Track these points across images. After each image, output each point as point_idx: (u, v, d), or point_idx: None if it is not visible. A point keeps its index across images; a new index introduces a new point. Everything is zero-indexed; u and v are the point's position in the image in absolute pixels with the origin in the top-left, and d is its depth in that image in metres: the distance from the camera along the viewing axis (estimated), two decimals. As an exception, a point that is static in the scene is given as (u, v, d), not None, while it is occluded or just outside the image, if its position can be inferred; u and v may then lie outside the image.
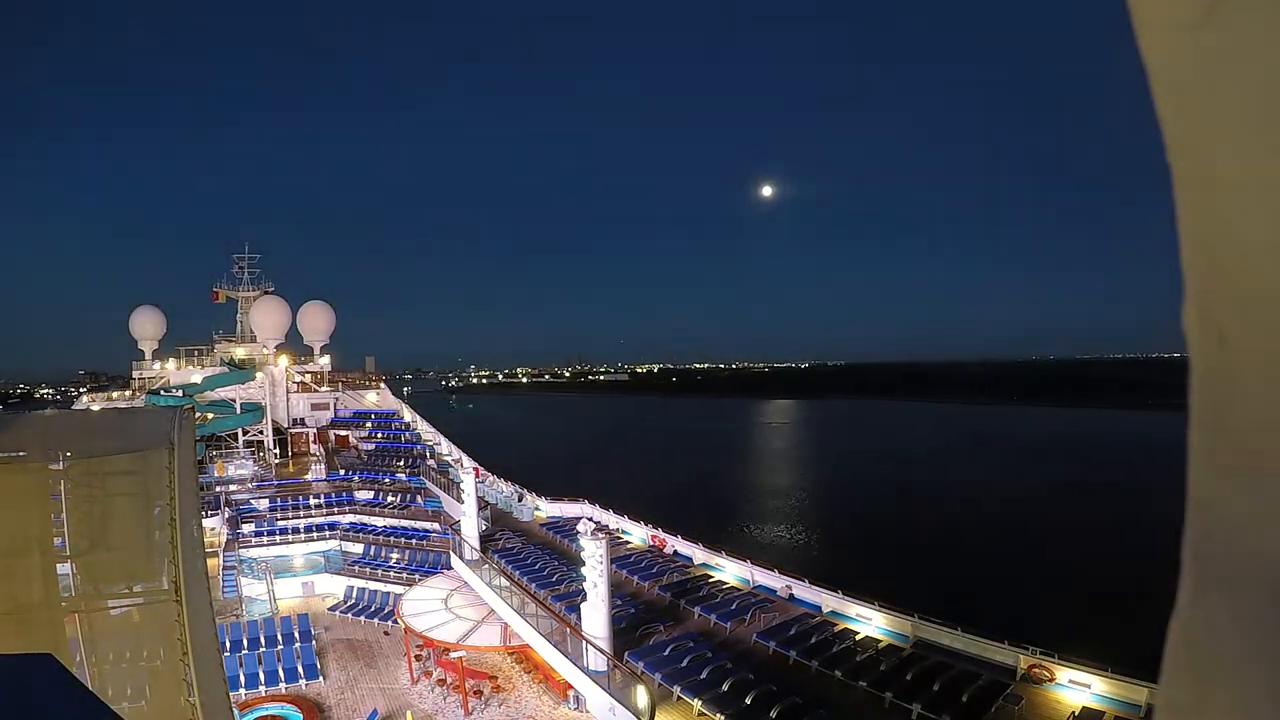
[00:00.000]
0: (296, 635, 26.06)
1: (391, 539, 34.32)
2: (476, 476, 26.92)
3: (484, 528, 27.92)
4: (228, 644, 24.31)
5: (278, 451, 47.34)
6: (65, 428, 11.86)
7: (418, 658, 24.72)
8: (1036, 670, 16.29)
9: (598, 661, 17.02)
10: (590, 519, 27.75)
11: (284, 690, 23.35)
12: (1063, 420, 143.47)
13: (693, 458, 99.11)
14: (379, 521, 36.36)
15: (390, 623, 28.31)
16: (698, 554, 26.43)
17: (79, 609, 9.19)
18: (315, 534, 35.53)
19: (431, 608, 24.91)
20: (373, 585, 31.46)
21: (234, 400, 45.93)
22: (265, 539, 34.40)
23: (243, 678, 23.30)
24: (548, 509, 34.12)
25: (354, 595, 31.51)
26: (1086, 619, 35.68)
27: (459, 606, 24.87)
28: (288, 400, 49.15)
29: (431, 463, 40.22)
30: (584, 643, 17.44)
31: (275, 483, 40.69)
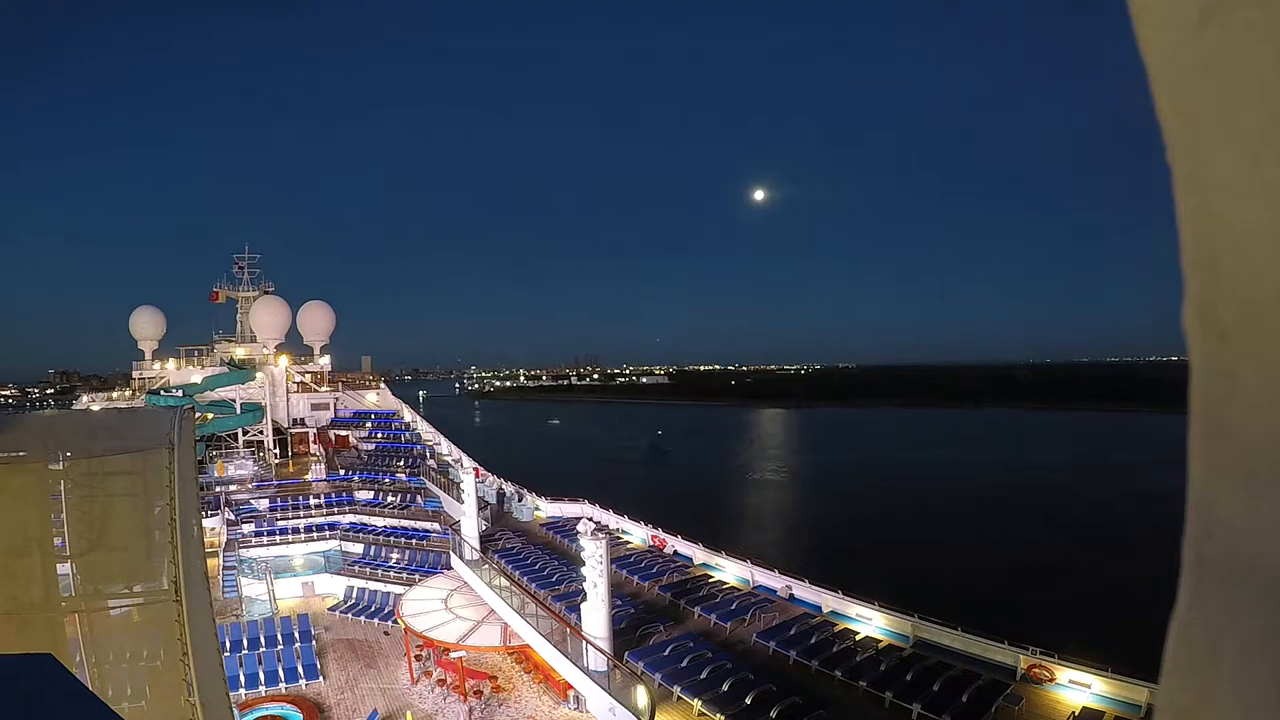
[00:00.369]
0: (296, 635, 26.07)
1: (391, 539, 34.32)
2: (476, 476, 26.93)
3: (484, 528, 27.93)
4: (228, 644, 24.31)
5: (278, 451, 47.33)
6: (65, 428, 11.85)
7: (418, 658, 24.72)
8: (1036, 670, 16.29)
9: (598, 661, 17.02)
10: (590, 519, 27.74)
11: (284, 690, 23.34)
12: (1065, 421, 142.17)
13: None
14: (379, 521, 36.36)
15: (390, 623, 28.31)
16: (698, 554, 26.43)
17: (79, 609, 9.19)
18: (315, 534, 35.54)
19: (431, 608, 24.90)
20: (373, 585, 31.45)
21: (234, 400, 45.90)
22: (265, 539, 34.40)
23: (243, 678, 23.29)
24: (548, 509, 34.13)
25: (354, 595, 31.51)
26: (1086, 619, 35.68)
27: (459, 606, 24.87)
28: (288, 400, 49.15)
29: (431, 463, 40.24)
30: (584, 643, 17.44)
31: (275, 483, 40.68)
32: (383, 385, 54.37)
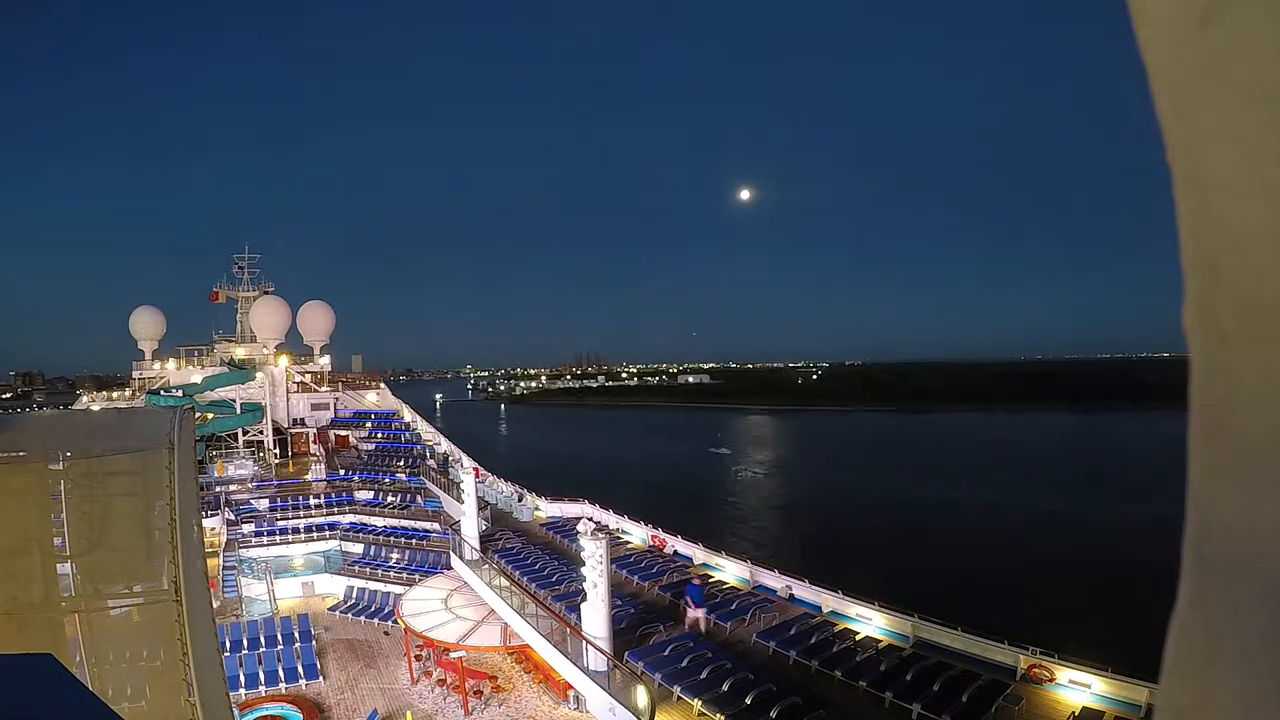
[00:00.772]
0: (296, 635, 26.07)
1: (391, 539, 34.32)
2: (476, 476, 26.93)
3: (484, 528, 27.93)
4: (228, 644, 24.31)
5: (278, 451, 47.33)
6: (65, 428, 11.86)
7: (418, 658, 24.72)
8: (1036, 670, 16.29)
9: (598, 661, 17.01)
10: (590, 519, 27.74)
11: (284, 690, 23.35)
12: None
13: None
14: (379, 521, 36.36)
15: (390, 623, 28.31)
16: (698, 554, 26.42)
17: (79, 609, 9.19)
18: (315, 534, 35.54)
19: (431, 608, 24.90)
20: (373, 585, 31.46)
21: (234, 400, 45.90)
22: (265, 539, 34.40)
23: (243, 678, 23.30)
24: (548, 509, 34.13)
25: (354, 595, 31.51)
26: (1086, 619, 35.69)
27: (459, 606, 24.87)
28: (288, 400, 49.15)
29: (431, 463, 40.24)
30: (584, 643, 17.44)
31: (275, 483, 40.68)
32: (382, 385, 54.41)
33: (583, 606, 17.74)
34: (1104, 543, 53.78)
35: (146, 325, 52.18)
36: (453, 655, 22.90)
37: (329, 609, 30.48)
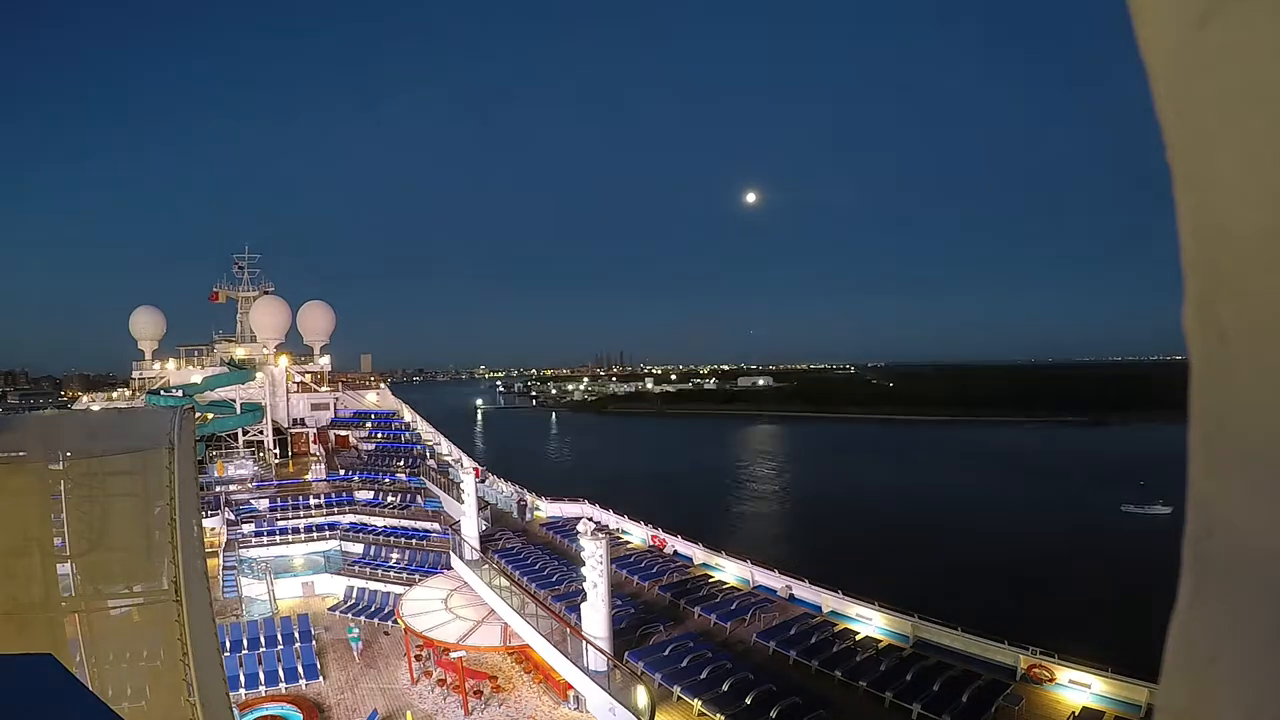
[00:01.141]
0: (296, 635, 26.07)
1: (391, 539, 34.32)
2: (476, 476, 26.94)
3: (484, 528, 27.93)
4: (228, 644, 24.31)
5: (278, 451, 47.33)
6: (65, 428, 11.85)
7: (418, 658, 24.73)
8: (1036, 670, 16.29)
9: (598, 661, 17.02)
10: (590, 519, 27.76)
11: (284, 690, 23.35)
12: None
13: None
14: (379, 521, 36.36)
15: (390, 623, 28.31)
16: (698, 554, 26.44)
17: (79, 609, 9.19)
18: (315, 534, 35.54)
19: (431, 608, 24.91)
20: (373, 585, 31.45)
21: (234, 400, 45.91)
22: (265, 539, 34.40)
23: (243, 678, 23.30)
24: (548, 509, 34.13)
25: (354, 595, 31.51)
26: (1086, 619, 35.71)
27: (459, 606, 24.87)
28: (288, 400, 49.15)
29: (431, 463, 40.25)
30: (584, 643, 17.45)
31: (275, 483, 40.68)
32: (383, 385, 54.42)
33: (583, 606, 17.75)
34: (1104, 543, 53.80)
35: (146, 325, 52.18)
36: (453, 655, 22.90)
37: (329, 609, 30.47)
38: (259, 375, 47.33)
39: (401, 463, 42.40)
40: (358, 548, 34.46)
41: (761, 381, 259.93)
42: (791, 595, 22.24)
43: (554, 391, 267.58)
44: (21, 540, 9.02)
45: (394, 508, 37.14)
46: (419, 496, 37.65)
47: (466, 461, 32.93)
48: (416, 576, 30.10)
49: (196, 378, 46.28)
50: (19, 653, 2.54)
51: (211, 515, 33.70)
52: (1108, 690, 15.27)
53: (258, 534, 34.63)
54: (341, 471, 41.78)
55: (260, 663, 24.30)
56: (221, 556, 31.09)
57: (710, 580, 23.87)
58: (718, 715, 14.85)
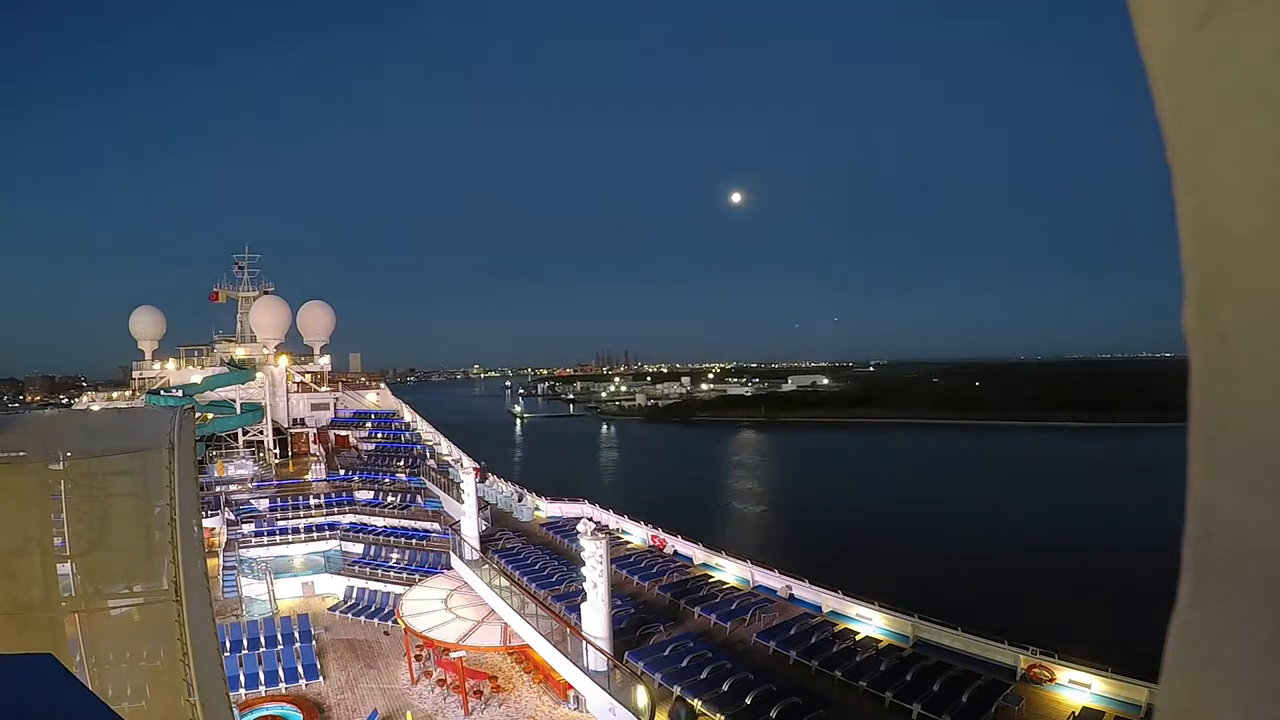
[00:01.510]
0: (296, 635, 26.08)
1: (391, 539, 34.34)
2: (476, 476, 26.94)
3: (484, 528, 27.93)
4: (228, 644, 24.32)
5: (278, 451, 47.34)
6: (65, 428, 11.86)
7: (418, 658, 24.73)
8: (1036, 670, 16.29)
9: (598, 661, 17.02)
10: (590, 519, 27.76)
11: (284, 690, 23.35)
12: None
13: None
14: (379, 521, 36.38)
15: (390, 623, 28.32)
16: (698, 554, 26.43)
17: (79, 609, 9.19)
18: (315, 534, 35.55)
19: (431, 608, 24.91)
20: (373, 585, 31.47)
21: (234, 400, 45.92)
22: (265, 539, 34.42)
23: (243, 678, 23.31)
24: (548, 509, 34.13)
25: (354, 595, 31.52)
26: (1086, 619, 35.70)
27: (459, 606, 24.88)
28: (288, 400, 49.16)
29: (431, 463, 40.25)
30: (584, 643, 17.45)
31: (275, 483, 40.70)
32: (382, 385, 54.45)
33: (583, 606, 17.75)
34: (1103, 543, 53.77)
35: (146, 325, 52.21)
36: (453, 655, 22.91)
37: (329, 609, 30.48)
38: (259, 375, 47.34)
39: (401, 463, 42.43)
40: (358, 548, 34.48)
41: (825, 381, 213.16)
42: (791, 595, 22.24)
43: (604, 395, 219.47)
44: (21, 540, 9.02)
45: (394, 508, 37.15)
46: (419, 496, 37.66)
47: (466, 461, 32.95)
48: (416, 576, 30.11)
49: (196, 378, 46.29)
50: (19, 653, 2.54)
51: (211, 515, 33.71)
52: (1108, 690, 15.27)
53: (258, 534, 34.64)
54: (341, 471, 41.80)
55: (260, 663, 24.31)
56: (221, 556, 31.10)
57: (710, 580, 23.87)
58: (718, 715, 14.84)
